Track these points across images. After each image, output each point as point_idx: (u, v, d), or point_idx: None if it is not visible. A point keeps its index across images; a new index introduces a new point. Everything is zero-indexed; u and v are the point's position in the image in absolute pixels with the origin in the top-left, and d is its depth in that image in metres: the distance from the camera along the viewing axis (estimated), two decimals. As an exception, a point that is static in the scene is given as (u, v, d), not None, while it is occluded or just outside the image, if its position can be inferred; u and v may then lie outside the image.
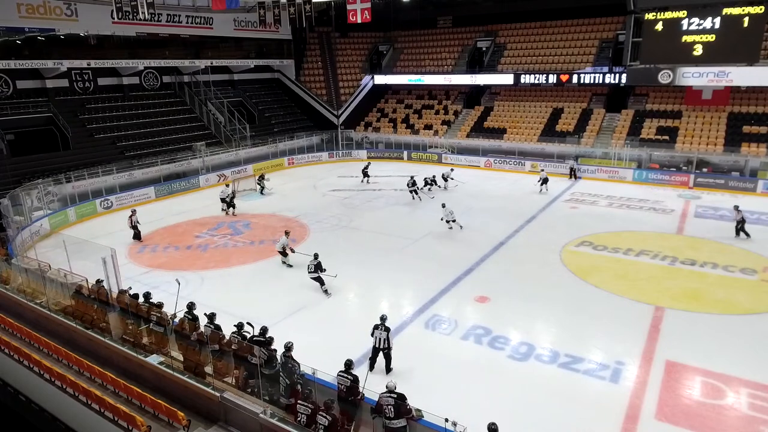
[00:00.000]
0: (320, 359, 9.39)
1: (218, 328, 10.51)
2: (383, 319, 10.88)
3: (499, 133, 34.08)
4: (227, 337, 10.26)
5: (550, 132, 32.58)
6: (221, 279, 16.40)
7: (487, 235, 19.74)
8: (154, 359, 10.17)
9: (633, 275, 15.93)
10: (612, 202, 24.15)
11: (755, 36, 24.13)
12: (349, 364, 8.70)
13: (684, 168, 27.52)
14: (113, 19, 27.73)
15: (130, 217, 20.03)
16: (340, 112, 39.67)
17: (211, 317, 10.73)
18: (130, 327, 11.43)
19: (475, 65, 37.52)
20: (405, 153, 35.45)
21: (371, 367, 10.88)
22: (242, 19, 35.92)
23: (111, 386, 10.08)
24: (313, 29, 42.11)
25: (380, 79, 41.17)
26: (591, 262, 17.09)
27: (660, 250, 17.76)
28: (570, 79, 32.94)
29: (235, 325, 10.38)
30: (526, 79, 34.26)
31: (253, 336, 10.10)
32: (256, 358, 9.27)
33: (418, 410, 8.11)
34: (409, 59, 41.10)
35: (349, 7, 26.60)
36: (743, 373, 10.77)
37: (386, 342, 10.69)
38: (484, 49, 38.28)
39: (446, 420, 7.50)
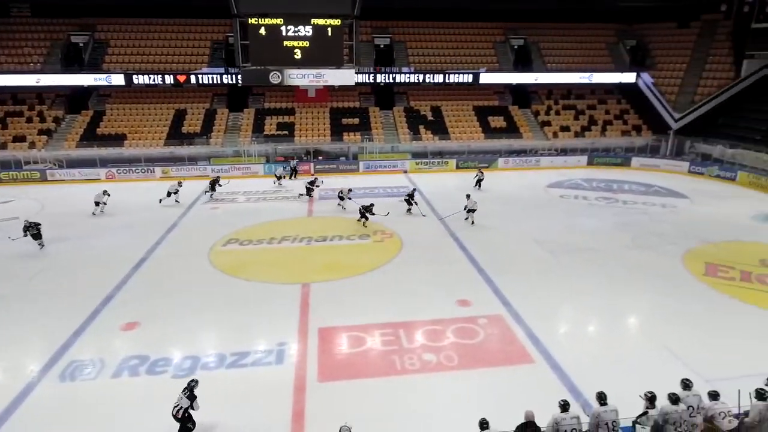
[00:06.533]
0: None
1: None
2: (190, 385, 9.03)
3: (117, 139, 30.63)
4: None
5: (176, 135, 31.36)
6: None
7: (124, 253, 17.52)
8: None
9: (280, 261, 17.03)
10: (250, 197, 25.21)
11: (337, 43, 29.03)
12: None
13: (305, 158, 31.21)
14: None
15: None
16: None
17: None
18: None
19: (74, 63, 32.42)
20: (-8, 174, 27.79)
21: None
22: None
23: None
24: None
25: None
26: (240, 257, 17.36)
27: (298, 233, 19.57)
28: (188, 80, 32.32)
29: None
30: (140, 79, 31.75)
31: None
32: None
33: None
34: (-26, 54, 32.06)
35: None
36: (374, 318, 12.95)
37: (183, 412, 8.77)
38: (81, 45, 33.40)
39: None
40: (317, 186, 25.26)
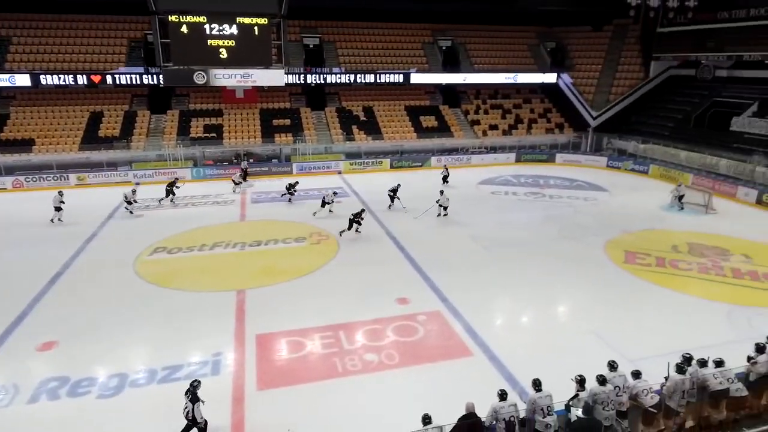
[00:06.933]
0: None
1: None
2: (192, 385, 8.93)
3: (25, 145, 28.15)
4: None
5: (93, 139, 29.28)
6: None
7: (37, 267, 16.15)
8: None
9: (212, 268, 16.34)
10: (177, 203, 24.03)
11: (265, 43, 28.33)
12: None
13: (235, 161, 30.19)
14: None
15: None
16: None
17: None
18: None
19: (-30, 63, 29.52)
20: None
21: None
22: None
23: None
24: None
25: None
26: (169, 266, 16.50)
27: (231, 239, 18.89)
28: (104, 80, 30.30)
29: None
30: (48, 79, 29.38)
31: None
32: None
33: None
34: None
35: None
36: (313, 322, 12.73)
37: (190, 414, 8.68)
38: (-21, 42, 30.49)
39: None
40: (294, 192, 24.35)
